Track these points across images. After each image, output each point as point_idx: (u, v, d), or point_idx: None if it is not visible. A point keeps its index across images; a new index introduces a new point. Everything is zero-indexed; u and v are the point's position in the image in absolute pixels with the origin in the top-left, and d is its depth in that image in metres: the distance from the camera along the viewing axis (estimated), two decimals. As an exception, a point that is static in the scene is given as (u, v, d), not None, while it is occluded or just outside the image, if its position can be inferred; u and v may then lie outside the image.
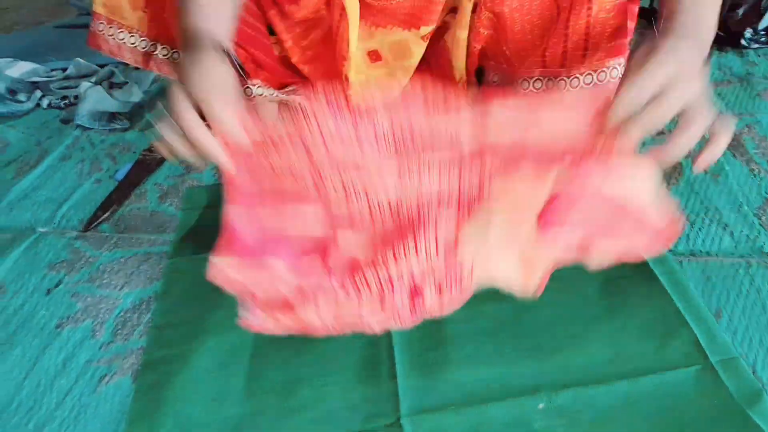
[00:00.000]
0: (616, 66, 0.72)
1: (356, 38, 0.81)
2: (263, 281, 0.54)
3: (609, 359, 0.54)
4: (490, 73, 0.87)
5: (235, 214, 0.57)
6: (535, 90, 0.79)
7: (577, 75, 0.73)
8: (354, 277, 0.54)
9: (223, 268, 0.53)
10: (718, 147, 0.54)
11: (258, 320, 0.55)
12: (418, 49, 0.84)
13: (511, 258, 0.56)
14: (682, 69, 0.53)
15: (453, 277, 0.56)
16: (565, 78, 0.75)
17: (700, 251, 0.66)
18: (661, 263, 0.62)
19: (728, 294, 0.61)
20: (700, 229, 0.68)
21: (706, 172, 0.58)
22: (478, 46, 0.82)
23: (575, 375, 0.53)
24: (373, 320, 0.56)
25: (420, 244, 0.55)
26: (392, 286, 0.55)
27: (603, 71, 0.72)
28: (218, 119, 0.57)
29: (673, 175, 0.77)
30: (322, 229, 0.60)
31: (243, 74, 0.65)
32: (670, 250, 0.65)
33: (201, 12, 0.65)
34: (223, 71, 0.61)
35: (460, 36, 0.83)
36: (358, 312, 0.55)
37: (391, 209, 0.61)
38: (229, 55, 0.63)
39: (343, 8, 0.78)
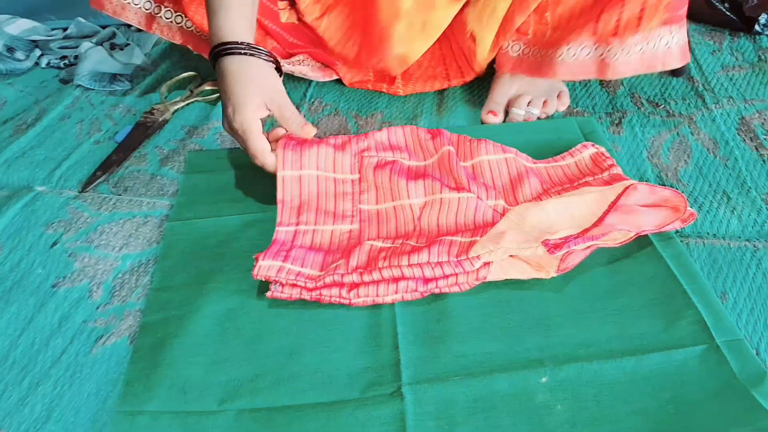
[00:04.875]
0: (667, 34, 0.72)
1: None
2: (291, 272, 0.58)
3: (614, 336, 0.53)
4: (512, 45, 0.85)
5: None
6: (579, 59, 0.77)
7: (629, 46, 0.73)
8: (371, 271, 0.57)
9: (267, 268, 0.58)
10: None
11: (279, 293, 0.58)
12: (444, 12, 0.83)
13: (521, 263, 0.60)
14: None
15: (467, 274, 0.58)
16: (617, 48, 0.74)
17: (708, 233, 0.65)
18: (669, 245, 0.62)
19: (734, 277, 0.60)
20: (707, 211, 0.68)
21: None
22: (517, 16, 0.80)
23: (580, 350, 0.52)
24: (389, 298, 0.58)
25: (434, 249, 0.58)
26: (406, 278, 0.58)
27: (654, 41, 0.72)
28: (256, 154, 0.66)
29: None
30: (351, 223, 0.66)
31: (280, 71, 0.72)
32: (677, 232, 0.64)
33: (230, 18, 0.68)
34: (273, 79, 0.69)
35: (500, 6, 0.81)
36: (375, 293, 0.58)
37: (413, 212, 0.65)
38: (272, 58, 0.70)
39: None
